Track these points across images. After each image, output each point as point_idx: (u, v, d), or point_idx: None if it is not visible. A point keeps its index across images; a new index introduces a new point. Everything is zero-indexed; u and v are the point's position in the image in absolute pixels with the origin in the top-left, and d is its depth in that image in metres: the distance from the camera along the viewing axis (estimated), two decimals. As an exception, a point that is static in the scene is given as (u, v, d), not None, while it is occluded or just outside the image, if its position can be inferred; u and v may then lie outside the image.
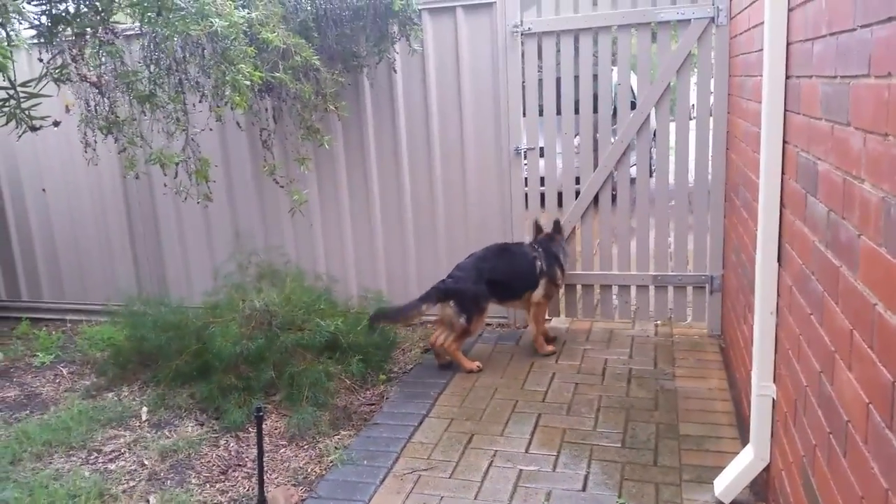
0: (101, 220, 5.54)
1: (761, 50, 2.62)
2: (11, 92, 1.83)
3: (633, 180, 4.79)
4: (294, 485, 3.10)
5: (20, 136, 2.46)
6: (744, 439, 3.05)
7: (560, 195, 4.87)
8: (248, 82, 3.50)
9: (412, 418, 3.64)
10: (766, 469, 2.72)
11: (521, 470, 3.09)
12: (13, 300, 5.86)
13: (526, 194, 4.84)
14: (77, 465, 3.30)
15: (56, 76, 2.75)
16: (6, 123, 2.05)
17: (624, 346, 4.48)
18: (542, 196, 4.92)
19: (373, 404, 3.89)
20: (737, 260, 3.86)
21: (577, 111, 4.75)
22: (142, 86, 3.70)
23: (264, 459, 3.08)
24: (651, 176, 4.86)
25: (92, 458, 3.39)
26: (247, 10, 3.61)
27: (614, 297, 4.92)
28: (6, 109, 1.90)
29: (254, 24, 3.59)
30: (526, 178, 4.86)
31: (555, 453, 3.22)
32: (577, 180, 4.83)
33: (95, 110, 3.98)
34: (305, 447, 3.44)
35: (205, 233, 5.35)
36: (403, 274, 5.10)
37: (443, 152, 4.88)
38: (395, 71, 4.79)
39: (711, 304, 4.62)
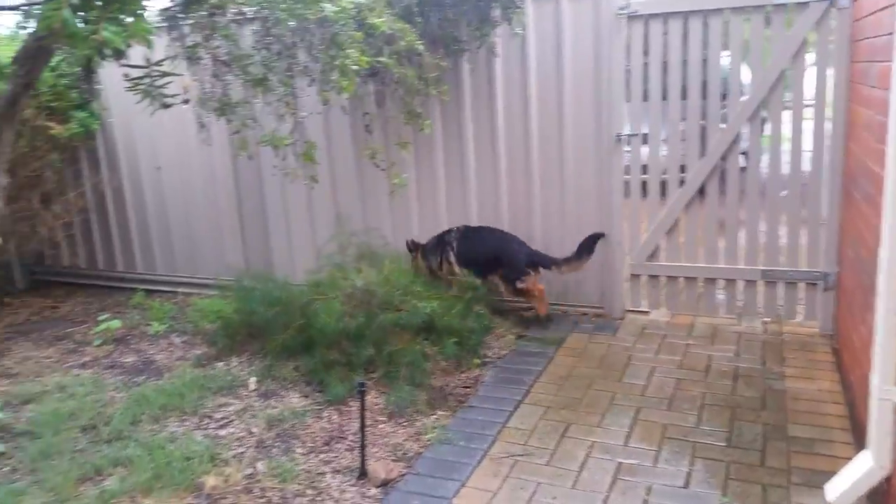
0: (212, 198, 5.81)
1: (891, 34, 2.44)
2: (149, 70, 1.95)
3: (742, 169, 4.59)
4: (394, 460, 3.18)
5: (153, 113, 2.61)
6: (859, 444, 2.89)
7: (663, 184, 4.74)
8: (355, 67, 3.58)
9: (507, 403, 3.66)
10: (887, 479, 2.57)
11: (619, 462, 3.05)
12: (130, 272, 6.25)
13: (626, 182, 4.74)
14: (190, 430, 3.50)
15: (188, 55, 2.89)
16: (141, 100, 2.19)
17: (729, 342, 4.32)
18: (644, 184, 4.79)
19: (468, 387, 3.93)
20: (855, 256, 3.64)
21: (683, 97, 4.59)
22: (255, 69, 3.85)
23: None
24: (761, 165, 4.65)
25: (203, 423, 3.59)
26: (352, -3, 3.67)
27: (719, 291, 4.75)
28: (142, 87, 2.03)
29: (362, 9, 3.65)
30: (626, 166, 4.76)
31: (655, 448, 3.16)
32: (683, 168, 4.68)
33: (210, 92, 4.17)
34: (404, 424, 3.52)
35: (307, 213, 5.52)
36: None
37: (540, 138, 4.83)
38: (496, 55, 4.77)
39: (824, 302, 4.39)
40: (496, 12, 4.56)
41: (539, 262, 4.75)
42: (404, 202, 5.19)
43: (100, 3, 1.38)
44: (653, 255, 4.84)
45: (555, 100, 4.74)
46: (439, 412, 3.63)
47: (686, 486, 2.86)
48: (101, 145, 6.07)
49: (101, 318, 5.06)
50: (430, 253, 4.96)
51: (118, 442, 3.34)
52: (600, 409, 3.54)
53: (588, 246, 4.66)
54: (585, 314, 4.92)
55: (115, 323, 4.96)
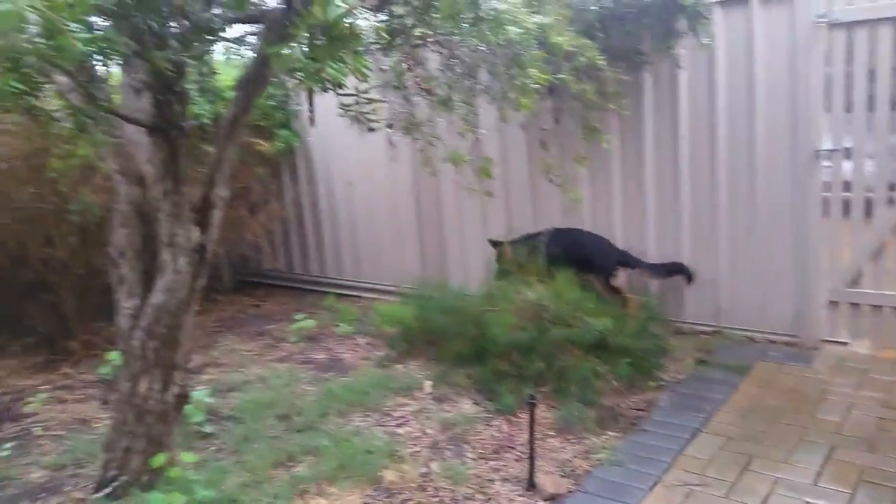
0: (394, 211, 6.17)
1: None
2: (358, 98, 2.17)
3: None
4: (562, 475, 3.18)
5: (361, 132, 2.85)
6: None
7: (868, 203, 4.31)
8: (535, 85, 3.65)
9: (684, 430, 3.51)
10: None
11: (806, 502, 2.82)
12: (322, 276, 6.81)
13: (825, 200, 4.37)
14: (371, 426, 3.74)
15: (395, 84, 3.14)
16: (351, 125, 2.43)
17: (946, 381, 3.83)
18: (846, 203, 4.39)
19: (641, 409, 3.82)
20: None
21: (893, 107, 4.16)
22: (441, 91, 4.05)
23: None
24: None
25: (384, 420, 3.81)
26: (539, 16, 3.74)
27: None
28: (351, 113, 2.25)
29: (545, 29, 3.71)
30: (825, 183, 4.39)
31: (849, 491, 2.88)
32: (893, 186, 4.23)
33: (399, 113, 4.45)
34: (572, 441, 3.51)
35: (481, 226, 5.68)
36: (677, 280, 4.90)
37: (728, 153, 4.60)
38: (680, 67, 4.62)
39: None
40: (681, 23, 4.43)
41: (627, 261, 4.89)
42: (577, 217, 5.17)
43: (324, 43, 1.58)
44: (855, 281, 4.41)
45: (745, 113, 4.49)
46: (609, 433, 3.56)
47: (888, 537, 2.58)
48: (301, 161, 6.69)
49: (296, 317, 5.56)
50: (519, 248, 5.03)
51: (309, 432, 3.65)
52: (788, 445, 3.28)
53: (676, 269, 4.82)
54: (774, 342, 4.58)
55: (309, 322, 5.42)
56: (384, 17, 2.71)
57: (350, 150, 6.23)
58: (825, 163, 4.36)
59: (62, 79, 2.12)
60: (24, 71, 1.80)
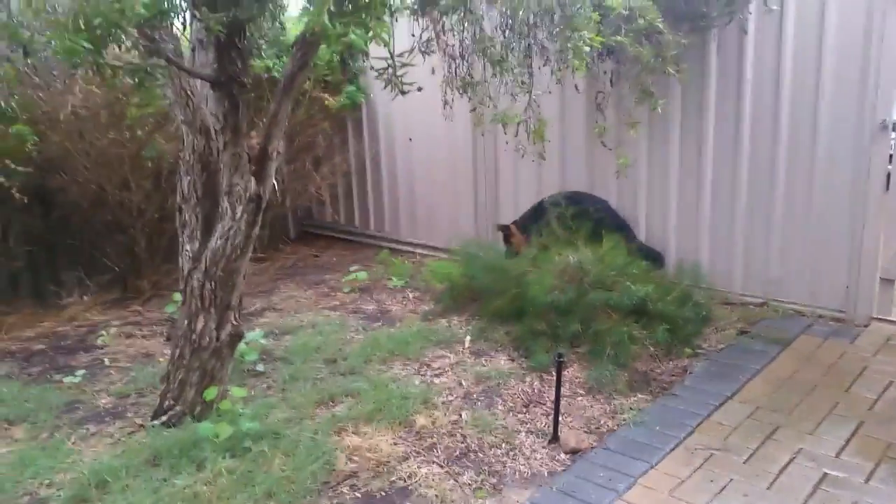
0: (452, 170, 6.27)
1: None
2: (389, 62, 2.29)
3: None
4: (586, 432, 3.30)
5: (393, 98, 3.00)
6: None
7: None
8: (587, 48, 3.65)
9: (714, 397, 3.55)
10: None
11: (825, 473, 2.85)
12: (378, 232, 7.03)
13: (888, 175, 4.22)
14: (410, 374, 3.94)
15: (423, 49, 3.23)
16: (384, 87, 2.56)
17: None
18: (911, 178, 4.24)
19: (674, 375, 3.87)
20: None
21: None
22: (495, 51, 4.10)
23: (562, 404, 3.35)
24: None
25: (422, 370, 4.01)
26: (595, -22, 3.73)
27: None
28: (385, 76, 2.38)
29: (600, -10, 3.70)
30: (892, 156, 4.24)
31: (871, 465, 2.88)
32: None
33: (455, 73, 4.53)
34: (601, 400, 3.61)
35: (536, 187, 5.73)
36: (728, 250, 4.86)
37: (791, 121, 4.47)
38: (746, 32, 4.50)
39: None
40: (749, -14, 4.30)
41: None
42: (632, 183, 5.16)
43: (350, 10, 1.70)
44: (912, 260, 4.28)
45: (812, 81, 4.35)
46: (639, 395, 3.64)
47: (903, 513, 2.60)
48: (365, 117, 6.85)
49: (351, 269, 5.79)
50: (528, 222, 5.30)
51: (351, 375, 3.89)
52: (816, 417, 3.29)
53: (654, 256, 4.99)
54: (822, 317, 4.51)
55: (363, 275, 5.65)
56: None
57: (412, 108, 6.33)
58: (894, 134, 4.20)
59: (127, 36, 2.31)
60: (92, 30, 1.99)
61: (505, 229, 5.46)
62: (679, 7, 4.41)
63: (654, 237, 5.14)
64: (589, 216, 4.96)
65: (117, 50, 2.76)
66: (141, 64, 2.37)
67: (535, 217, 5.29)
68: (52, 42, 2.02)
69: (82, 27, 1.99)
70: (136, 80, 2.41)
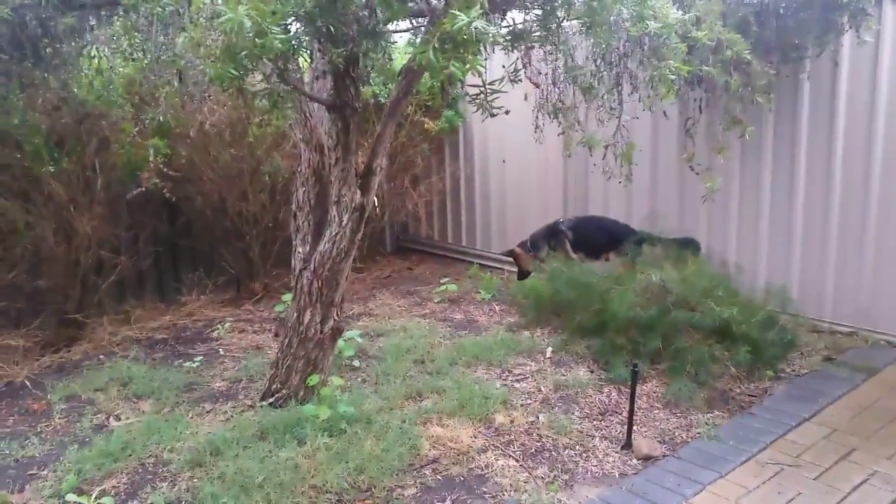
0: (543, 191, 6.52)
1: None
2: (482, 89, 2.60)
3: None
4: (659, 441, 3.44)
5: (483, 120, 3.31)
6: None
7: None
8: (673, 77, 3.83)
9: (791, 417, 3.61)
10: None
11: (900, 496, 2.88)
12: (470, 247, 7.35)
13: None
14: (492, 378, 4.20)
15: (511, 78, 3.57)
16: (476, 111, 2.89)
17: None
18: None
19: (753, 396, 3.94)
20: None
21: None
22: (584, 79, 4.34)
23: (638, 415, 3.51)
24: None
25: (504, 375, 4.26)
26: (682, 12, 3.91)
27: None
28: (478, 101, 2.69)
29: (686, 24, 3.88)
30: None
31: (950, 493, 2.89)
32: None
33: (547, 98, 4.80)
34: (677, 415, 3.73)
35: (625, 210, 5.87)
36: (818, 276, 4.85)
37: (885, 154, 4.47)
38: (837, 64, 4.54)
39: None
40: (843, 19, 4.35)
41: (643, 238, 5.18)
42: (723, 209, 5.23)
43: (450, 47, 2.02)
44: None
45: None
46: (716, 412, 3.74)
47: (977, 539, 2.61)
48: (462, 139, 7.23)
49: (442, 281, 6.13)
50: (539, 242, 5.68)
51: (437, 375, 4.18)
52: (895, 445, 3.30)
53: (688, 243, 5.09)
54: (915, 346, 4.44)
55: (453, 287, 5.97)
56: (507, 24, 3.12)
57: (506, 131, 6.64)
58: None
59: (265, 66, 2.73)
60: (239, 61, 2.40)
61: (509, 254, 5.91)
62: (770, 38, 4.51)
63: (745, 259, 5.18)
64: (602, 233, 5.52)
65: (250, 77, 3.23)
66: (275, 89, 2.79)
67: (549, 236, 5.70)
68: (207, 70, 2.45)
69: (231, 58, 2.41)
70: (271, 102, 2.84)
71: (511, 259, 6.00)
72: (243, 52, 2.37)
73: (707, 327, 4.18)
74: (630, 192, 5.70)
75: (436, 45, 2.08)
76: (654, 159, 5.63)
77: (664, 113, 4.93)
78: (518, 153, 6.65)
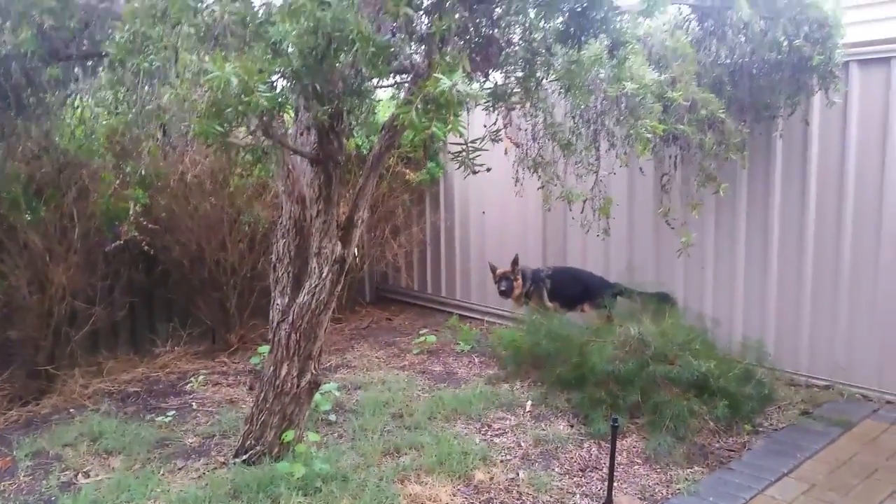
0: (522, 242, 6.56)
1: None
2: (463, 147, 2.66)
3: None
4: (640, 498, 3.41)
5: (465, 177, 3.37)
6: None
7: None
8: (649, 135, 3.94)
9: (770, 473, 3.61)
10: None
11: (880, 555, 2.87)
12: (449, 298, 7.35)
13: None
14: (472, 432, 4.16)
15: (493, 137, 3.66)
16: (458, 168, 2.95)
17: None
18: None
19: (732, 451, 3.94)
20: None
21: None
22: (563, 135, 4.44)
23: (618, 471, 3.48)
24: None
25: (483, 429, 4.22)
26: (658, 73, 4.04)
27: None
28: (460, 158, 2.75)
29: (661, 84, 4.00)
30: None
31: (929, 552, 2.89)
32: None
33: (527, 153, 4.89)
34: (657, 470, 3.71)
35: (603, 262, 5.94)
36: (794, 330, 4.92)
37: (856, 210, 4.60)
38: (808, 123, 4.70)
39: None
40: (812, 81, 4.52)
41: (620, 291, 5.35)
42: (699, 263, 5.31)
43: (432, 108, 2.08)
44: None
45: (877, 173, 4.51)
46: (696, 468, 3.73)
47: None
48: (442, 190, 7.30)
49: (421, 332, 6.11)
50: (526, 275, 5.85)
51: (416, 430, 4.13)
52: (874, 500, 3.30)
53: (663, 298, 5.21)
54: (891, 402, 4.48)
55: (432, 338, 5.95)
56: (489, 85, 3.23)
57: (486, 183, 6.69)
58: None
59: (250, 121, 2.76)
60: (224, 117, 2.43)
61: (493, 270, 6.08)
62: (743, 98, 4.66)
63: (721, 313, 5.24)
64: (578, 284, 5.71)
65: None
66: (259, 144, 2.82)
67: (532, 279, 5.88)
68: (192, 126, 2.48)
69: (216, 114, 2.44)
70: (255, 157, 2.87)
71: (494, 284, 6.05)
72: (229, 109, 2.39)
73: (685, 381, 4.20)
74: (608, 245, 5.77)
75: (419, 106, 2.13)
76: (630, 213, 5.73)
77: (640, 169, 5.05)
78: (498, 205, 6.73)
